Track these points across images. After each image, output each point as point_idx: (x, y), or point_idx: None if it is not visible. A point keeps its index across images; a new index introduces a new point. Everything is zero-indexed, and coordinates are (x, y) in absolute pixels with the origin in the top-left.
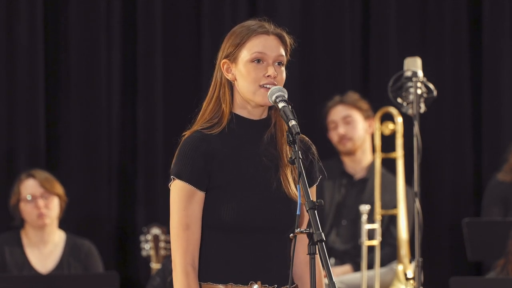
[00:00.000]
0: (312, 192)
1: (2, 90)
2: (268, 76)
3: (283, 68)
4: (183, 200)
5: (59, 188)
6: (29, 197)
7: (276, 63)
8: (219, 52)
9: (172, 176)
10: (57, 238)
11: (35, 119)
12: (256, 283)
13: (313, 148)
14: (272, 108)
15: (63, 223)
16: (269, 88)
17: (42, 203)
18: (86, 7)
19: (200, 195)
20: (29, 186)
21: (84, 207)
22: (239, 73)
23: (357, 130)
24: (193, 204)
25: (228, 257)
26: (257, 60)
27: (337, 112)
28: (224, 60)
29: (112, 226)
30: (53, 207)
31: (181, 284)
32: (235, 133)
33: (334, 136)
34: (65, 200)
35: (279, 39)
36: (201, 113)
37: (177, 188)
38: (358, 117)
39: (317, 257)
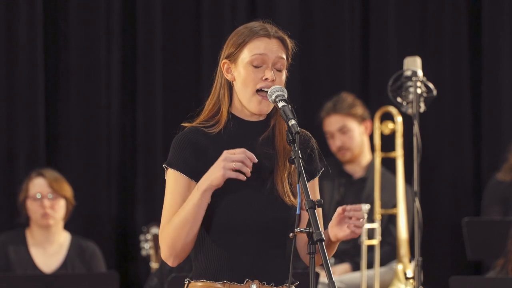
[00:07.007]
0: (314, 184)
1: (1, 90)
2: (265, 79)
3: (282, 73)
4: (176, 188)
5: (67, 191)
6: (38, 195)
7: (275, 69)
8: (222, 51)
9: (164, 165)
10: (62, 239)
11: (35, 119)
12: (253, 281)
13: (313, 141)
14: (273, 110)
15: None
16: (265, 94)
17: (48, 203)
18: (86, 6)
19: (194, 185)
20: (37, 185)
21: (84, 206)
22: (238, 75)
23: (354, 140)
24: (187, 192)
25: (221, 256)
26: (257, 63)
27: (332, 123)
28: (224, 60)
29: (111, 226)
30: (59, 209)
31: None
32: (232, 134)
33: (332, 146)
34: (72, 203)
35: (281, 42)
36: (203, 111)
37: (172, 177)
38: (353, 125)
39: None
